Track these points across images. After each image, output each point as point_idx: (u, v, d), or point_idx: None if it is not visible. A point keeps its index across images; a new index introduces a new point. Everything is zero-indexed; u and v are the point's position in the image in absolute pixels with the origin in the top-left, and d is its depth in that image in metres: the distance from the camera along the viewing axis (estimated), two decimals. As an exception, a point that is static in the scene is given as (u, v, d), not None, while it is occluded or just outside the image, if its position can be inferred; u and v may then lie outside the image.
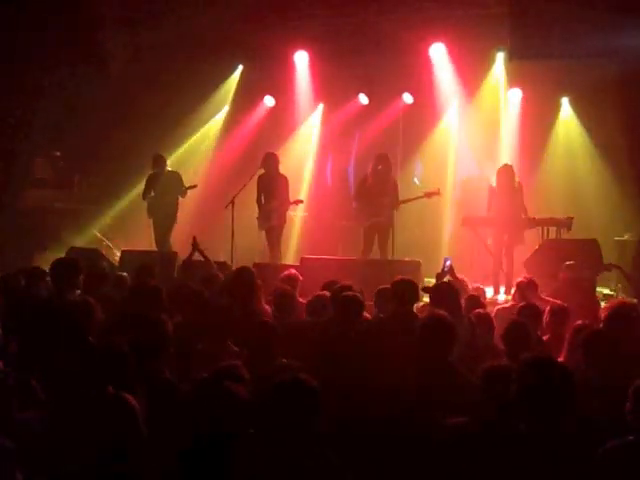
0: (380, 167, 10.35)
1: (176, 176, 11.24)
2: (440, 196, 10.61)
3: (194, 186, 11.14)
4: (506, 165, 10.37)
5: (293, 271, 7.53)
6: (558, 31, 10.82)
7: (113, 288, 7.05)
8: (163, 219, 11.16)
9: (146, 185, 11.30)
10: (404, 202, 10.46)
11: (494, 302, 8.58)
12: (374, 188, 10.33)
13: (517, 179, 10.35)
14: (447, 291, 6.09)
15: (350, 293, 5.83)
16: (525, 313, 5.84)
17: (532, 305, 6.12)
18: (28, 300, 5.42)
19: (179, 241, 11.43)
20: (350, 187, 13.39)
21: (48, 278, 6.68)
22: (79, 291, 6.42)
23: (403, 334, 5.27)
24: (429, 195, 10.51)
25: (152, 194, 11.15)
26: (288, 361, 4.81)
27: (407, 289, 6.01)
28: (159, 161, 11.25)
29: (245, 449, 3.40)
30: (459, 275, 7.40)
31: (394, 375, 4.60)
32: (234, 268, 8.64)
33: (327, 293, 6.27)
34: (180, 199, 11.18)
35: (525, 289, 6.99)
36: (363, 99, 13.15)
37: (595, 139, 11.81)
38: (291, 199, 10.79)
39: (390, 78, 12.84)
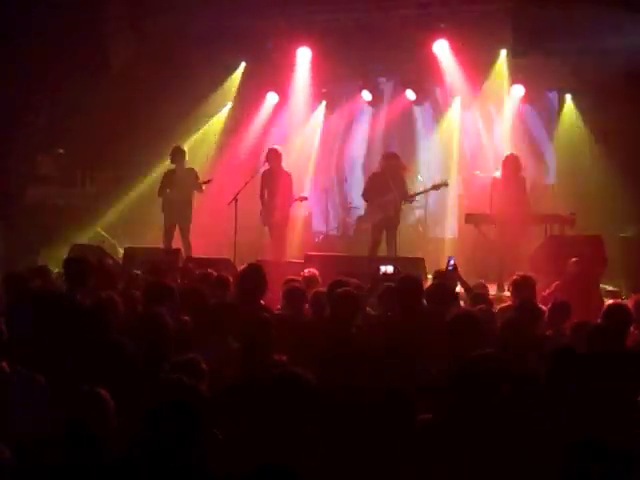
0: (387, 165, 10.42)
1: (192, 173, 11.16)
2: (447, 186, 10.79)
3: (209, 181, 11.08)
4: (512, 154, 10.43)
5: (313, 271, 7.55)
6: (561, 28, 10.80)
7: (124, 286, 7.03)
8: (179, 218, 11.08)
9: (162, 181, 11.17)
10: (412, 197, 10.54)
11: (499, 299, 8.57)
12: (382, 185, 10.38)
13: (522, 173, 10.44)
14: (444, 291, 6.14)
15: (344, 289, 5.79)
16: (523, 311, 5.81)
17: (530, 303, 6.08)
18: (38, 298, 5.38)
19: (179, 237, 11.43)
20: (348, 185, 13.48)
21: (53, 276, 6.69)
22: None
23: (412, 332, 5.29)
24: (437, 187, 10.68)
25: (168, 191, 11.06)
26: (284, 358, 4.79)
27: (412, 286, 5.99)
28: (177, 154, 11.08)
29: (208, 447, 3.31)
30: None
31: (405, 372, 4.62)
32: (237, 265, 8.70)
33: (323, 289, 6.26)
34: (195, 196, 11.14)
35: (520, 288, 6.86)
36: (366, 96, 13.13)
37: (598, 135, 11.78)
38: (294, 195, 10.80)
39: (393, 75, 12.85)
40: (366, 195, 10.75)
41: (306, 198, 11.10)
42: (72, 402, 3.52)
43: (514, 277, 6.99)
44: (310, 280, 7.12)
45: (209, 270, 7.40)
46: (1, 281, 6.64)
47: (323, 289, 6.35)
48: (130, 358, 4.51)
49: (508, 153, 10.65)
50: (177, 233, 11.14)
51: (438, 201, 12.75)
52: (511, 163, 10.25)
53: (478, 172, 12.36)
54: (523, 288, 6.60)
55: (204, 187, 11.05)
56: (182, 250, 10.38)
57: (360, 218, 11.36)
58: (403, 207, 10.60)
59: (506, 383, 3.97)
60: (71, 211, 12.01)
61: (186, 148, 11.46)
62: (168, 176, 11.16)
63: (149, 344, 4.74)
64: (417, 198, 11.01)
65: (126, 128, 12.20)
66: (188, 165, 11.28)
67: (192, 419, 3.08)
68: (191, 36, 11.99)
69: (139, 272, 7.46)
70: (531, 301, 6.15)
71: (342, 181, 13.77)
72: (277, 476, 2.94)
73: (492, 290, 9.64)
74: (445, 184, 10.68)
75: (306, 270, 7.47)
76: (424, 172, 12.97)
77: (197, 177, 11.14)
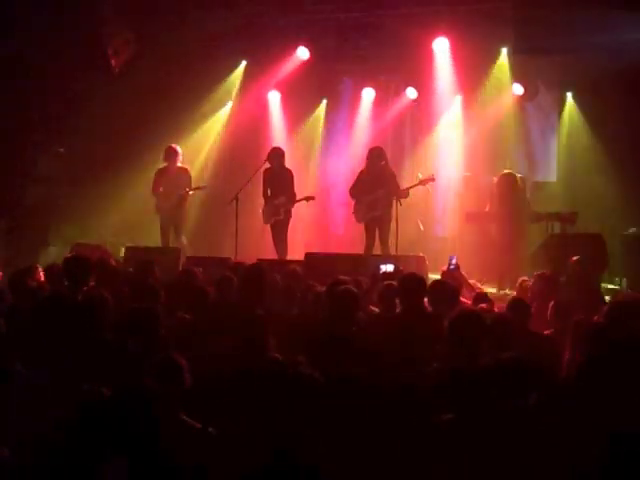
0: (373, 161, 10.33)
1: (185, 173, 11.13)
2: (434, 182, 10.67)
3: (204, 187, 11.14)
4: (507, 174, 10.39)
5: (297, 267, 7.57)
6: (561, 26, 10.79)
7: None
8: (172, 217, 11.04)
9: (154, 180, 11.14)
10: (405, 192, 10.37)
11: (500, 298, 8.56)
12: (369, 182, 10.31)
13: (519, 176, 10.43)
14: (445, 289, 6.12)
15: (344, 287, 5.81)
16: (514, 307, 5.82)
17: (520, 299, 6.13)
18: (38, 297, 5.39)
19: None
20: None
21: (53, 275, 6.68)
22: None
23: (414, 330, 5.30)
24: (424, 182, 10.52)
25: (161, 189, 11.04)
26: (280, 355, 4.79)
27: (415, 284, 5.99)
28: (169, 153, 11.05)
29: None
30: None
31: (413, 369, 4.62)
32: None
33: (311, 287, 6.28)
34: (190, 196, 11.12)
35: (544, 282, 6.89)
36: (367, 94, 13.12)
37: (599, 133, 11.77)
38: (296, 193, 10.75)
39: (394, 73, 12.83)
40: (353, 192, 10.65)
41: (313, 198, 10.99)
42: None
43: (538, 272, 7.04)
44: (292, 275, 7.15)
45: (209, 269, 7.41)
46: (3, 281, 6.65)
47: (321, 288, 6.33)
48: (130, 356, 4.52)
49: (503, 172, 10.62)
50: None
51: (439, 199, 12.73)
52: (505, 182, 10.30)
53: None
54: (544, 283, 6.72)
55: (191, 193, 11.04)
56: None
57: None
58: (401, 204, 10.40)
59: (533, 387, 3.95)
60: (71, 211, 12.00)
61: (182, 147, 11.38)
62: (160, 174, 11.14)
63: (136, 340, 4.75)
64: (409, 193, 10.72)
65: (127, 127, 12.20)
66: (184, 165, 11.26)
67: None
68: (192, 35, 11.98)
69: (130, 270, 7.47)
70: (522, 299, 6.21)
71: (344, 179, 13.73)
72: (279, 475, 2.94)
73: (493, 289, 9.68)
74: (432, 179, 10.52)
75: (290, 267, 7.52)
76: (424, 171, 12.93)
77: (189, 177, 11.11)
